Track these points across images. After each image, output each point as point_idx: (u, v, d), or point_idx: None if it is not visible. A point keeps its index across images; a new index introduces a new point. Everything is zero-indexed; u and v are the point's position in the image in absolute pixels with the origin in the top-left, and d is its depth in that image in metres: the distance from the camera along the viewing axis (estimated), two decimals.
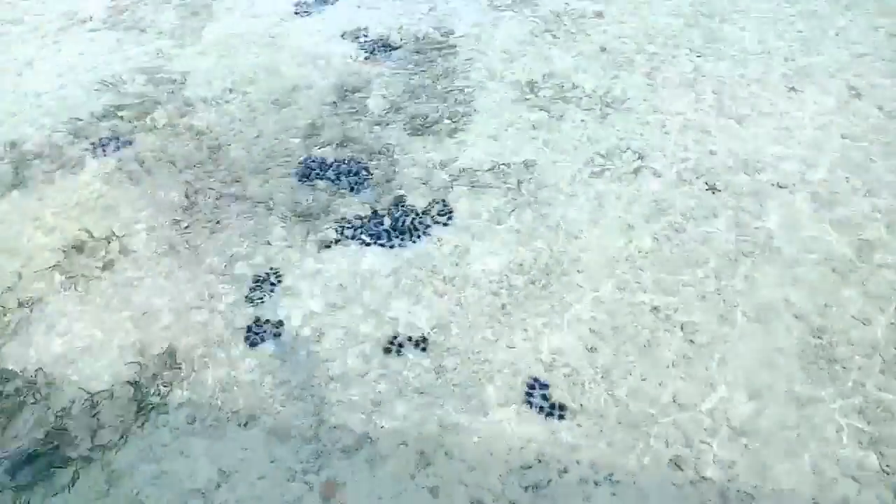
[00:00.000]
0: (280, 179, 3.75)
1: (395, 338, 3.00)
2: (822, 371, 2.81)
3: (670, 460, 2.60)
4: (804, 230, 3.38)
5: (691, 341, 2.91)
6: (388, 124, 4.07)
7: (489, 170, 3.75)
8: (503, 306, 3.11)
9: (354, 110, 4.18)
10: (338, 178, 3.74)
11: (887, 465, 2.51)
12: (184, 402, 2.79)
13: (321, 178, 3.74)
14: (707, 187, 3.62)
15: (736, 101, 4.15)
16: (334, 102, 4.26)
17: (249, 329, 3.05)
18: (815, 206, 3.48)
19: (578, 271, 3.25)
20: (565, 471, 2.55)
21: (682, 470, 2.57)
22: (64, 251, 3.37)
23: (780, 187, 3.60)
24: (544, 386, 2.79)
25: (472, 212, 3.54)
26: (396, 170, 3.77)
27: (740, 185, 3.61)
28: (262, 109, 4.23)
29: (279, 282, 3.26)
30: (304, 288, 3.22)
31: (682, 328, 2.98)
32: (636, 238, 3.38)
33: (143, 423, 2.71)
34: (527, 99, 4.24)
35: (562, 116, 4.08)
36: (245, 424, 2.72)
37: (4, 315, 3.12)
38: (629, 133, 3.96)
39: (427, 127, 4.03)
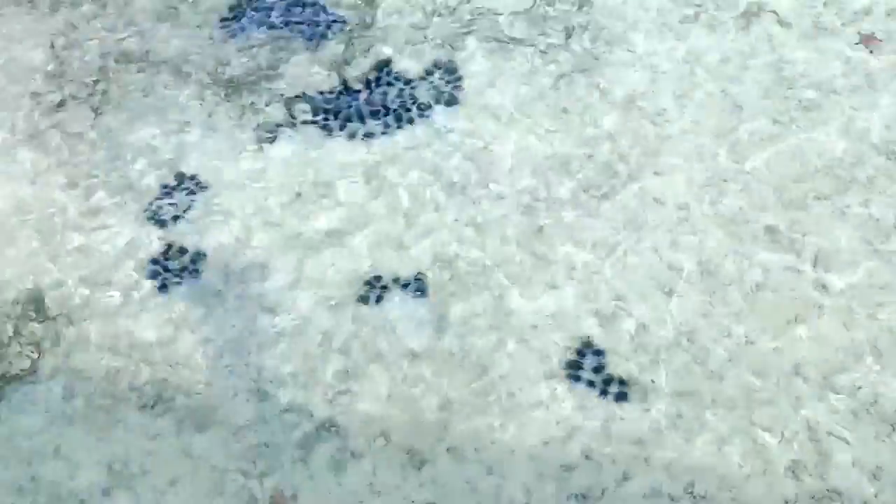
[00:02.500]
0: (198, 28, 3.44)
1: (376, 277, 2.77)
2: None
3: (788, 466, 2.42)
4: None
5: (824, 286, 2.69)
6: None
7: (521, 12, 3.41)
8: (541, 228, 2.82)
9: None
10: (286, 25, 3.43)
11: None
12: (59, 371, 2.60)
13: (261, 25, 3.43)
14: (859, 40, 3.29)
15: None
16: None
17: (156, 262, 2.80)
18: None
19: (656, 174, 2.92)
20: (626, 478, 2.42)
21: (803, 480, 2.39)
22: None
23: None
24: (598, 351, 2.60)
25: (495, 81, 3.19)
26: (377, 13, 3.44)
27: None
28: None
29: (201, 190, 2.98)
30: (238, 200, 2.93)
31: (813, 262, 2.73)
32: (747, 123, 3.05)
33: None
34: None
35: None
36: (151, 406, 2.54)
37: None
38: None
39: None
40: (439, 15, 3.47)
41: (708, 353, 2.57)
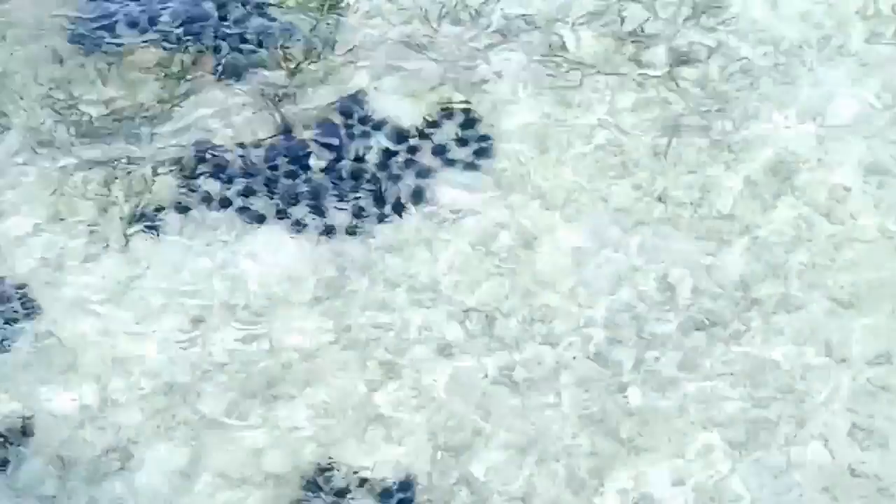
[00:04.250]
0: (33, 42, 2.82)
1: (325, 472, 2.22)
2: None
3: None
4: None
5: None
6: None
7: (595, 18, 2.71)
8: (623, 389, 2.14)
9: None
10: (188, 30, 2.75)
11: None
12: None
13: (142, 25, 2.74)
14: None
15: None
16: None
17: None
18: None
19: (831, 299, 2.22)
20: None
21: None
22: None
23: None
24: None
25: (545, 136, 2.55)
26: (346, 17, 2.76)
27: None
28: None
29: (26, 316, 2.43)
30: (91, 331, 2.39)
31: None
32: None
33: None
34: None
35: None
36: None
37: None
38: None
39: None
40: (452, 21, 2.72)
41: None
